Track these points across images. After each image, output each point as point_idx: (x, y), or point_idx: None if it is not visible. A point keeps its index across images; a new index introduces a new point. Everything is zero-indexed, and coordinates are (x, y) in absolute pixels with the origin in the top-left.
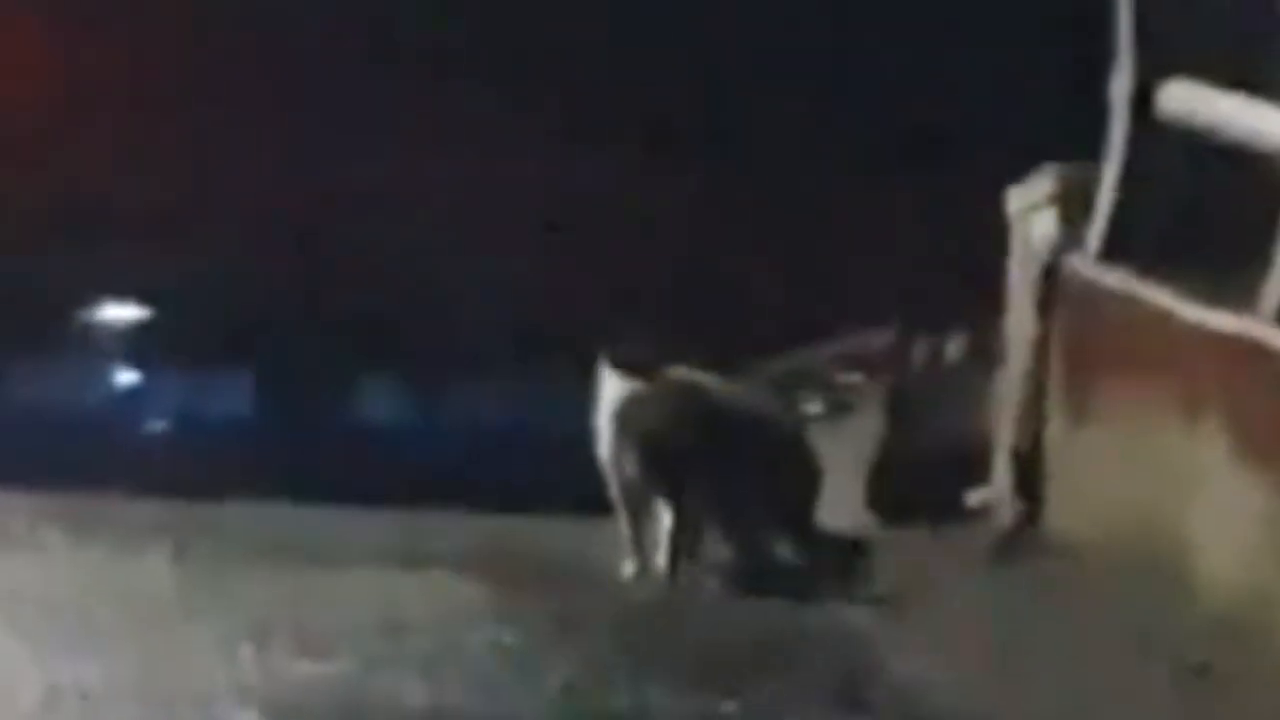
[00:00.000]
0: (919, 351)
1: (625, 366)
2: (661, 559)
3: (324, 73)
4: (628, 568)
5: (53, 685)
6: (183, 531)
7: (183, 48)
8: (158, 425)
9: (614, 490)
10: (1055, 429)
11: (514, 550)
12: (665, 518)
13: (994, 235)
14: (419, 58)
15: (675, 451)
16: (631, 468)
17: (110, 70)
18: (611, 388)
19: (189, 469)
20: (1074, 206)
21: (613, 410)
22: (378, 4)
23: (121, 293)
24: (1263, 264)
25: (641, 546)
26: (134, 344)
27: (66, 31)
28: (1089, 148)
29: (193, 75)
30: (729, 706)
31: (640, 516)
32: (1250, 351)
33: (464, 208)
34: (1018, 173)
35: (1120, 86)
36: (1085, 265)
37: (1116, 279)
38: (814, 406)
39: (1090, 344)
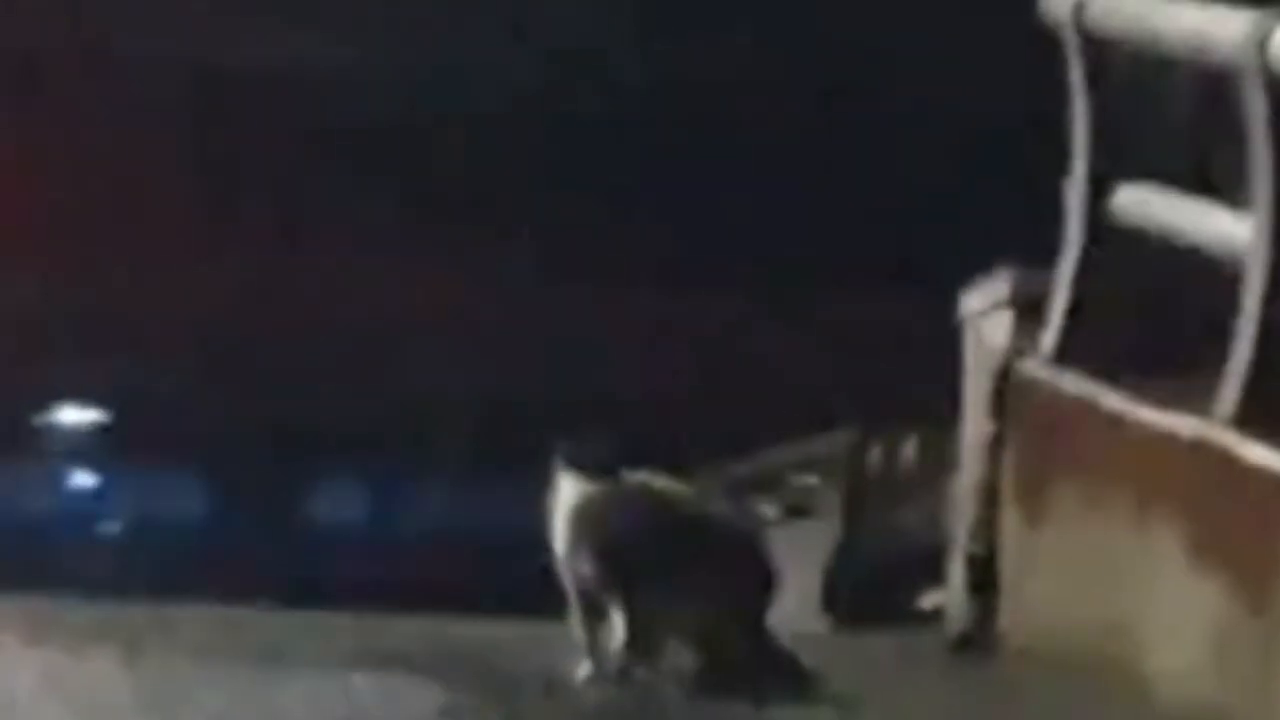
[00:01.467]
0: (874, 455)
1: (581, 468)
2: (615, 662)
3: (278, 185)
4: (582, 670)
5: None
6: (136, 633)
7: (140, 158)
8: (112, 527)
9: (569, 592)
10: (1010, 532)
11: (468, 652)
12: (619, 620)
13: (949, 339)
14: (370, 170)
15: (631, 554)
16: (587, 569)
17: (69, 179)
18: (567, 490)
19: (142, 570)
20: (1028, 309)
21: (568, 512)
22: (327, 120)
23: (77, 396)
24: (1219, 367)
25: (596, 649)
26: (88, 446)
27: (20, 133)
28: (1044, 251)
29: (148, 185)
30: None
31: (595, 619)
32: (1206, 455)
33: (418, 314)
34: (972, 276)
35: (1075, 189)
36: (1040, 368)
37: (1071, 382)
38: (770, 509)
39: (1045, 447)
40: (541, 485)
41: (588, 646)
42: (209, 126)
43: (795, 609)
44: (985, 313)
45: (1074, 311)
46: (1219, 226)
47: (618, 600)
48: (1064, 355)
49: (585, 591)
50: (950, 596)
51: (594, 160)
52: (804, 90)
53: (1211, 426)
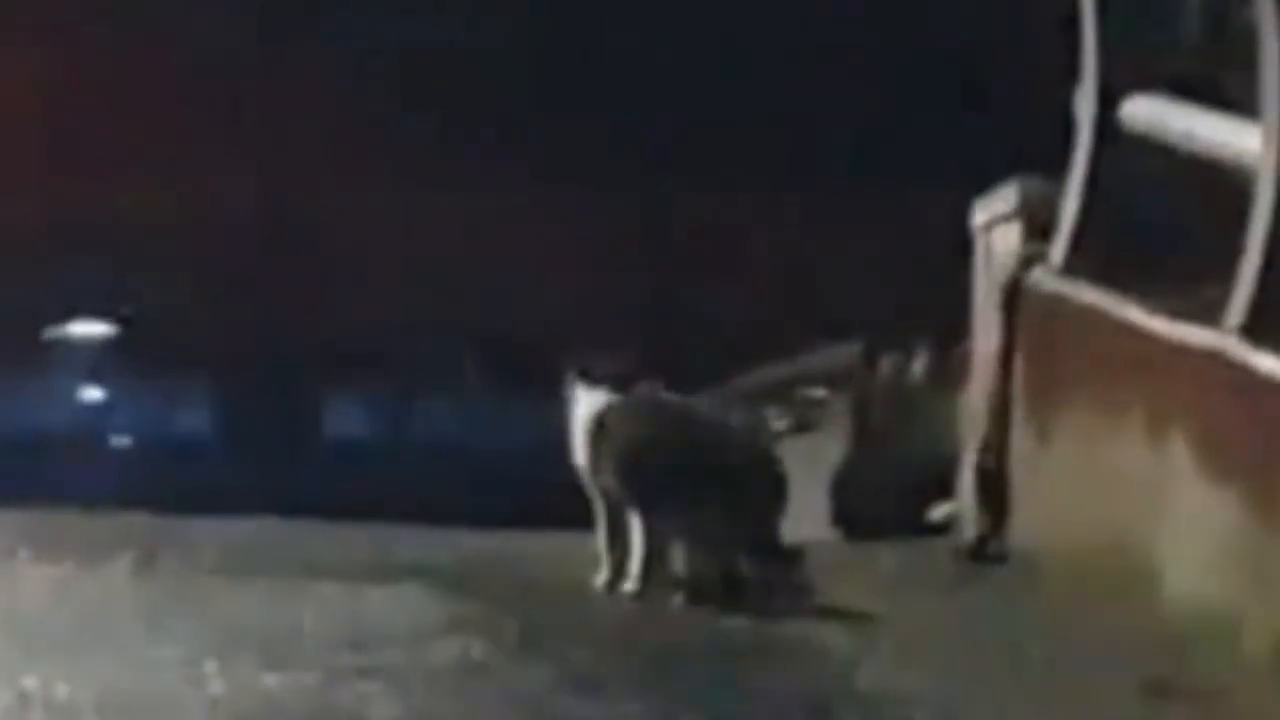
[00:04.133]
0: (884, 367)
1: (598, 382)
2: (634, 570)
3: (289, 105)
4: (600, 578)
5: (21, 694)
6: (148, 545)
7: (151, 77)
8: (123, 440)
9: (594, 501)
10: (1020, 443)
11: (483, 563)
12: (637, 529)
13: (959, 250)
14: (380, 94)
15: (648, 465)
16: (607, 478)
17: (76, 96)
18: (585, 404)
19: (154, 484)
20: (1038, 220)
21: (587, 423)
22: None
23: (87, 311)
24: (1228, 277)
25: (614, 557)
26: (99, 361)
27: (36, 50)
28: (1054, 161)
29: (156, 101)
30: (696, 719)
31: (614, 527)
32: (1216, 365)
33: (428, 229)
34: (982, 187)
35: (1084, 100)
36: (1050, 279)
37: (1081, 293)
38: (780, 422)
39: (1055, 358)
40: (557, 399)
41: (606, 555)
42: (220, 46)
43: (805, 523)
44: (994, 223)
45: (1084, 222)
46: (1229, 136)
47: (636, 510)
48: (1074, 266)
49: (606, 499)
50: (961, 508)
51: (583, 59)
52: None
53: (1222, 336)
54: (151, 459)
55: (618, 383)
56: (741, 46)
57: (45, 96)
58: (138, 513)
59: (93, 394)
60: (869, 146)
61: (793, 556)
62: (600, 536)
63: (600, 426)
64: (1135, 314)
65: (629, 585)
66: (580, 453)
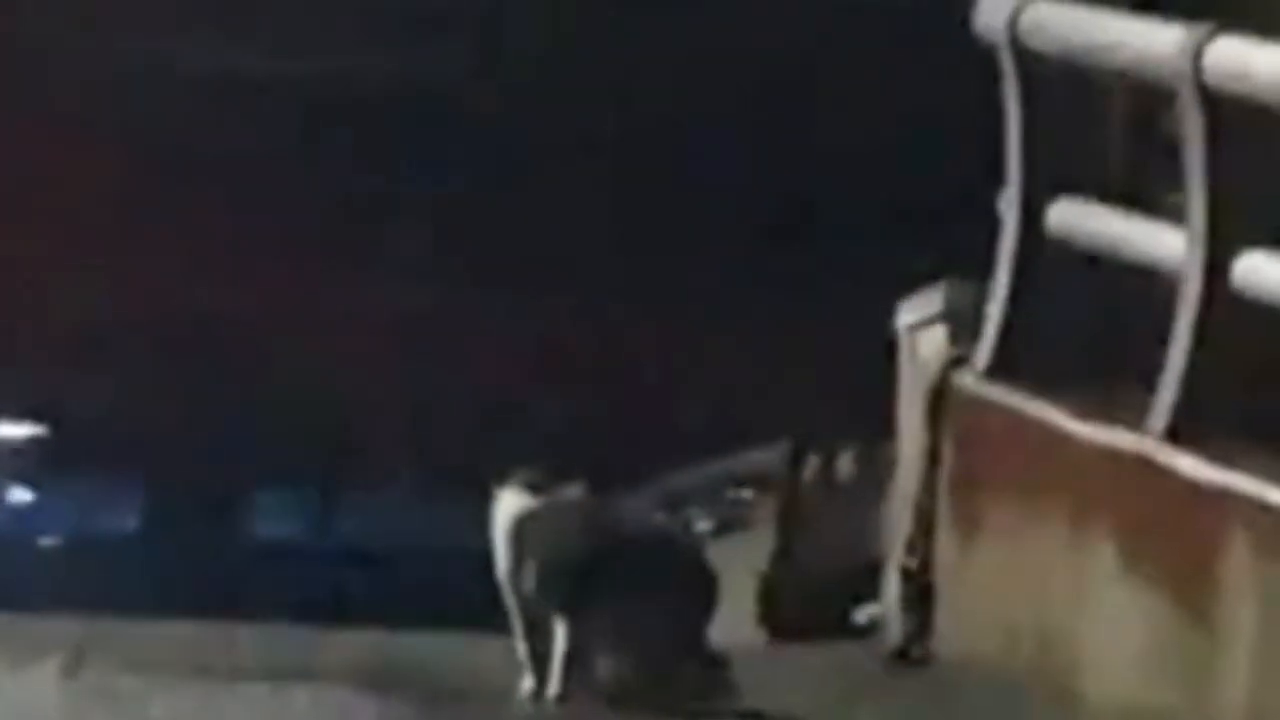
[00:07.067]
0: (810, 468)
1: (519, 486)
2: (556, 672)
3: (219, 203)
4: (524, 685)
5: None
6: (76, 646)
7: (78, 174)
8: (51, 541)
9: (511, 608)
10: (945, 545)
11: (408, 666)
12: (561, 635)
13: (884, 352)
14: (314, 192)
15: (571, 570)
16: (528, 584)
17: (9, 195)
18: (506, 507)
19: (82, 584)
20: (963, 323)
21: (508, 528)
22: (270, 144)
23: (13, 412)
24: (1152, 380)
25: (538, 663)
26: (29, 461)
27: None
28: (978, 265)
29: (90, 201)
30: None
31: (537, 633)
32: (1139, 468)
33: (359, 331)
34: (907, 290)
35: (1009, 204)
36: (975, 381)
37: (1005, 395)
38: (705, 523)
39: (979, 460)
40: (480, 501)
41: (529, 661)
42: (160, 145)
43: (731, 623)
44: (920, 325)
45: (1008, 324)
46: (1153, 239)
47: (559, 616)
48: (998, 368)
49: (527, 607)
50: (886, 610)
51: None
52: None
53: (1145, 440)
54: (79, 559)
55: (542, 486)
56: (668, 147)
57: None
58: (66, 613)
59: (20, 495)
60: (795, 249)
61: (719, 659)
62: (521, 644)
63: (521, 531)
64: (1060, 417)
65: (551, 688)
66: (501, 559)
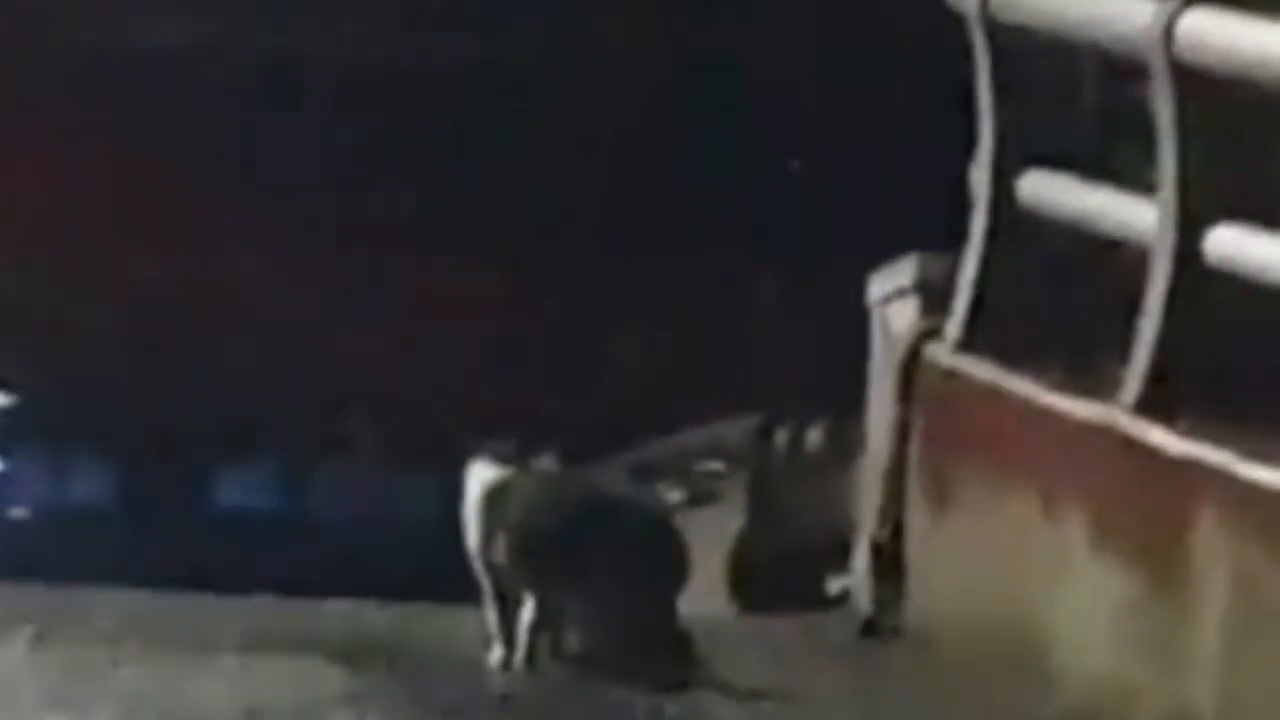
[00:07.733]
0: (780, 440)
1: (490, 458)
2: (524, 646)
3: (190, 174)
4: (494, 655)
5: None
6: (45, 618)
7: (51, 151)
8: (19, 512)
9: (482, 580)
10: (915, 517)
11: (379, 637)
12: (530, 607)
13: (856, 324)
14: (281, 161)
15: (541, 542)
16: (499, 558)
17: None
18: (477, 479)
19: (51, 555)
20: (934, 295)
21: (479, 500)
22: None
23: None
24: (1123, 353)
25: (508, 634)
26: None
27: None
28: (950, 236)
29: (61, 177)
30: None
31: (507, 605)
32: (1110, 441)
33: (329, 300)
34: (879, 261)
35: (980, 175)
36: (946, 354)
37: (976, 368)
38: (675, 496)
39: (950, 433)
40: (452, 472)
41: (499, 632)
42: (130, 121)
43: (702, 594)
44: (891, 298)
45: (979, 297)
46: (1124, 212)
47: (529, 587)
48: (969, 341)
49: (497, 579)
50: (856, 582)
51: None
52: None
53: (1116, 412)
54: (48, 530)
55: (512, 458)
56: (643, 123)
57: None
58: (34, 585)
59: None
60: (769, 221)
61: (686, 631)
62: (491, 615)
63: (492, 502)
64: (1030, 389)
65: (517, 656)
66: (471, 531)
